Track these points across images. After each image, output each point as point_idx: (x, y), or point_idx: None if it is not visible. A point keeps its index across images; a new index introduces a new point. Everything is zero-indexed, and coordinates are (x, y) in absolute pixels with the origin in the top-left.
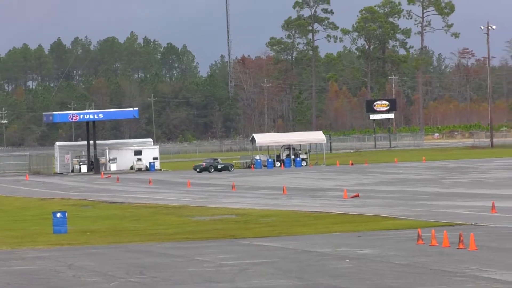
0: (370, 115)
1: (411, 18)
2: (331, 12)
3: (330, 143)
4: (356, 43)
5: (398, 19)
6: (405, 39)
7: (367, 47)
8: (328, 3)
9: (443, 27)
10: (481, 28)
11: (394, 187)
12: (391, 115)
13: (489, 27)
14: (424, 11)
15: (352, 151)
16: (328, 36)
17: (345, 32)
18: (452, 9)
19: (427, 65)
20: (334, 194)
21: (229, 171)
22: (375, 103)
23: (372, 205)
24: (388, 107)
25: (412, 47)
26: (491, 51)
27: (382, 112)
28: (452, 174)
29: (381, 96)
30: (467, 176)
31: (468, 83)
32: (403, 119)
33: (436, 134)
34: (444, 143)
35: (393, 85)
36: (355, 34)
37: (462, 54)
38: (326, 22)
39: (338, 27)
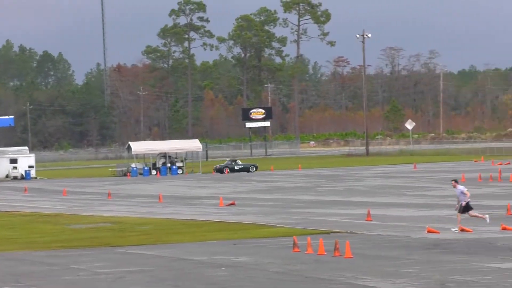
0: (246, 123)
1: (287, 26)
2: (207, 20)
3: (206, 151)
4: (232, 51)
5: (274, 27)
6: (281, 47)
7: (243, 55)
8: (204, 11)
9: (319, 36)
10: (356, 36)
11: (270, 195)
12: (267, 123)
13: (365, 36)
14: (300, 19)
15: (228, 159)
16: (204, 44)
17: (221, 40)
18: (328, 17)
19: (303, 73)
20: (210, 202)
21: (249, 171)
22: (251, 111)
23: (248, 213)
24: (264, 115)
25: (288, 55)
26: (367, 59)
27: (258, 120)
28: (328, 182)
29: (257, 104)
30: (343, 184)
31: (343, 91)
32: (279, 127)
33: (312, 142)
34: (320, 151)
35: (269, 93)
36: (231, 42)
37: (338, 62)
38: (202, 30)
39: (214, 35)
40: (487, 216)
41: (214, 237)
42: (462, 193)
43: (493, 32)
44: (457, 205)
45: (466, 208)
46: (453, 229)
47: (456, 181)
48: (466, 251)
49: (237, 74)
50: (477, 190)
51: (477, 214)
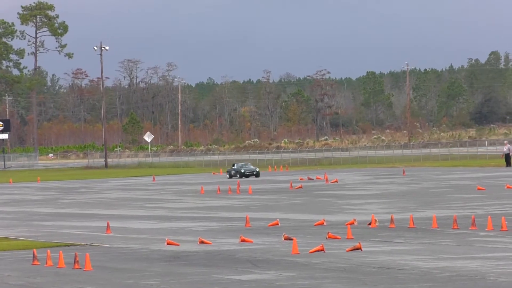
0: None
1: (24, 39)
2: None
3: None
4: None
5: (12, 40)
6: (18, 60)
7: None
8: None
9: (56, 48)
10: (94, 48)
11: (9, 208)
12: (5, 136)
13: (102, 48)
14: (38, 31)
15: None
16: None
17: None
18: (65, 29)
19: (41, 86)
20: None
21: None
22: None
23: None
24: (2, 127)
25: (26, 67)
26: (105, 71)
27: None
28: (67, 195)
29: None
30: (83, 197)
31: (82, 104)
32: (18, 139)
33: (51, 155)
34: (59, 163)
35: (7, 105)
36: None
37: (76, 74)
38: None
39: None
40: None
41: None
42: None
43: (232, 44)
44: None
45: None
46: None
47: None
48: (207, 263)
49: None
50: (216, 202)
51: None
